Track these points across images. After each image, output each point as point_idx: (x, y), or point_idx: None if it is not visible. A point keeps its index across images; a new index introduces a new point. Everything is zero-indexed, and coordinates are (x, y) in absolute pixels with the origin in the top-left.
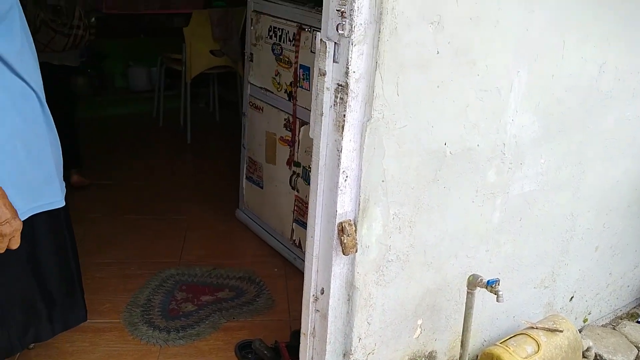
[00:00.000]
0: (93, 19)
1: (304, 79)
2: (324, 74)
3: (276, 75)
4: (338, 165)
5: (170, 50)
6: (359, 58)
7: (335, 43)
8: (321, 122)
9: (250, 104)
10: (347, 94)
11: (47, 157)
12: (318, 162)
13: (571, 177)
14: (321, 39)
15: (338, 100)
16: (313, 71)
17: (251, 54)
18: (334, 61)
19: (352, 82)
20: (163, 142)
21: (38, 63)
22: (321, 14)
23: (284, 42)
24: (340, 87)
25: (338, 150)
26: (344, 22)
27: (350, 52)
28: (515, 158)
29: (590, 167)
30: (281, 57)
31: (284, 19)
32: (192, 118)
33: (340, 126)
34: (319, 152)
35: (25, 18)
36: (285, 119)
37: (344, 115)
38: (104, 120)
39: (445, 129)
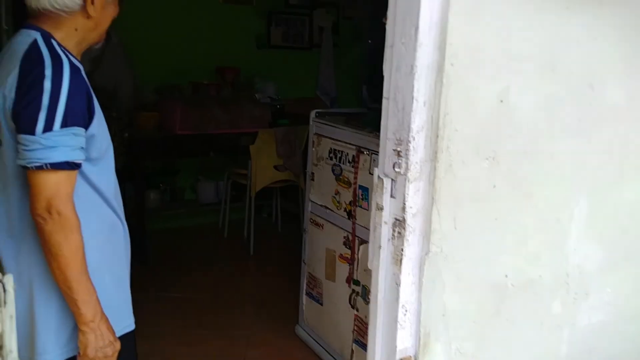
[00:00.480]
0: (126, 134)
1: (362, 199)
2: (382, 209)
3: (336, 194)
4: (397, 299)
5: (237, 165)
6: (416, 194)
7: (392, 180)
8: (379, 255)
9: (311, 220)
10: (404, 229)
11: (126, 282)
12: (377, 295)
13: None
14: (378, 176)
15: (396, 234)
16: (371, 193)
17: (312, 173)
18: (391, 196)
19: (409, 217)
20: (227, 253)
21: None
22: (378, 139)
23: (343, 163)
24: (397, 222)
25: (397, 284)
26: (400, 161)
27: (406, 188)
28: (580, 288)
29: None
30: (341, 177)
31: (344, 142)
32: (256, 229)
33: (398, 260)
34: (377, 285)
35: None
36: (344, 237)
37: (402, 249)
38: (173, 232)
39: (506, 261)
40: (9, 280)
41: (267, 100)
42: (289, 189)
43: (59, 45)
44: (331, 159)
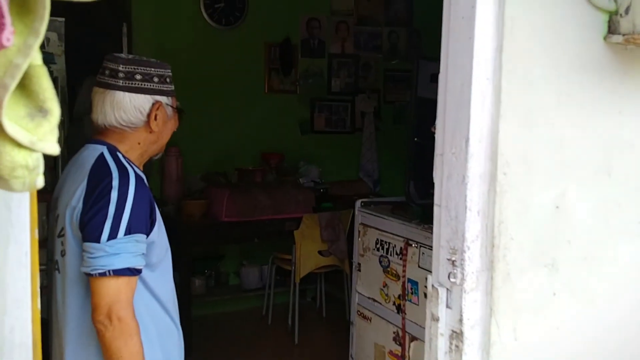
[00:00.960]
0: None
1: (412, 293)
2: (437, 320)
3: (384, 287)
4: None
5: (281, 250)
6: (473, 305)
7: (447, 289)
8: None
9: (358, 313)
10: (462, 342)
11: None
12: None
13: None
14: (433, 285)
15: (453, 347)
16: (421, 287)
17: (359, 263)
18: (447, 307)
19: (467, 329)
20: (272, 340)
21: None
22: (426, 232)
23: (391, 255)
24: (454, 334)
25: None
26: (455, 271)
27: (463, 299)
28: None
29: None
30: (388, 269)
31: (391, 233)
32: (300, 313)
33: None
34: None
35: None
36: (394, 332)
37: None
38: (217, 318)
39: None
40: None
41: (311, 184)
42: (333, 273)
43: (124, 157)
44: (378, 250)
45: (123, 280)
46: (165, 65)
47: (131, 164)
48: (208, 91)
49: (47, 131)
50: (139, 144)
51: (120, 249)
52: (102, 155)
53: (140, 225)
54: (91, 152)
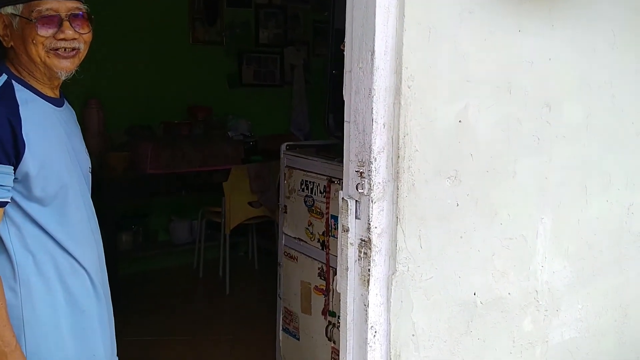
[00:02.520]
0: None
1: (335, 229)
2: (347, 230)
3: (309, 226)
4: (366, 321)
5: (210, 203)
6: (380, 214)
7: (356, 201)
8: (347, 277)
9: (285, 253)
10: (370, 249)
11: (93, 337)
12: (346, 317)
13: (613, 321)
14: (343, 197)
15: (362, 255)
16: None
17: (285, 206)
18: (356, 218)
19: (374, 237)
20: (203, 293)
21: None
22: None
23: (315, 194)
24: (363, 242)
25: (365, 305)
26: (363, 182)
27: (370, 209)
28: (550, 305)
29: (633, 310)
30: (313, 208)
31: (315, 173)
32: (232, 267)
33: (365, 280)
34: (347, 307)
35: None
36: (319, 268)
37: (369, 270)
38: (147, 275)
39: (473, 278)
40: None
41: (240, 137)
42: (264, 225)
43: (13, 75)
44: (303, 190)
45: None
46: None
47: (19, 84)
48: (130, 42)
49: None
50: (14, 60)
51: None
52: None
53: None
54: None
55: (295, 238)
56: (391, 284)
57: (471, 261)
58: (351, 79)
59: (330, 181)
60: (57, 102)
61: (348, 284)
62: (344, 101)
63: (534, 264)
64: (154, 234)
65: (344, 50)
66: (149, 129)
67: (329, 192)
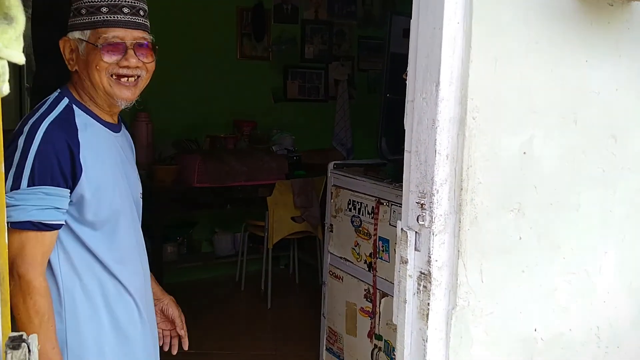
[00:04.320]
0: None
1: (383, 251)
2: (406, 262)
3: (356, 246)
4: (424, 356)
5: (254, 216)
6: (441, 247)
7: (416, 232)
8: (405, 310)
9: (330, 273)
10: (430, 282)
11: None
12: (402, 351)
13: None
14: (402, 229)
15: (421, 287)
16: (392, 245)
17: (331, 224)
18: (415, 249)
19: (434, 270)
20: (245, 307)
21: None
22: (398, 190)
23: (362, 214)
24: (423, 275)
25: (423, 340)
26: (424, 214)
27: (431, 241)
28: (611, 341)
29: None
30: (360, 228)
31: (363, 193)
32: (273, 281)
33: (424, 314)
34: (404, 340)
35: (138, 220)
36: (365, 290)
37: (428, 304)
38: (190, 285)
39: (534, 314)
40: (33, 339)
41: (284, 152)
42: (306, 240)
43: (75, 100)
44: (350, 210)
45: (28, 235)
46: None
47: (81, 108)
48: (179, 57)
49: (12, 38)
50: (77, 85)
51: (21, 201)
52: (52, 96)
53: (47, 176)
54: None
55: (341, 258)
56: (451, 318)
57: (533, 296)
58: (413, 109)
59: (379, 202)
60: (114, 128)
61: (406, 317)
62: (397, 125)
63: (596, 299)
64: (197, 245)
65: (406, 80)
66: (195, 143)
67: (377, 213)
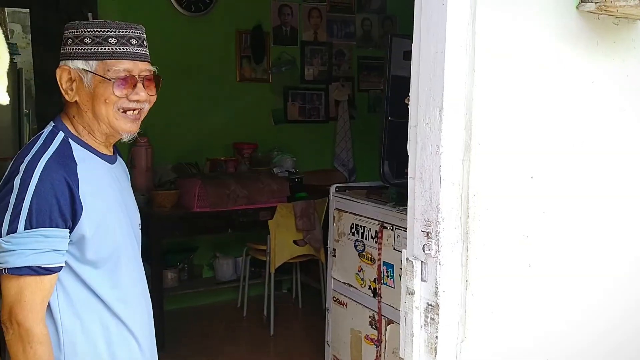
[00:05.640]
0: None
1: (388, 276)
2: (412, 293)
3: (359, 271)
4: None
5: (255, 240)
6: (448, 277)
7: (422, 262)
8: (412, 343)
9: (334, 299)
10: (437, 314)
11: None
12: None
13: None
14: (407, 258)
15: (429, 320)
16: (397, 270)
17: (334, 249)
18: (422, 280)
19: (442, 301)
20: (247, 333)
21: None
22: (402, 214)
23: (366, 238)
24: (430, 307)
25: None
26: (430, 243)
27: (438, 271)
28: None
29: None
30: (364, 253)
31: (366, 217)
32: (276, 305)
33: (432, 348)
34: None
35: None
36: (370, 316)
37: (436, 337)
38: (191, 312)
39: (548, 346)
40: None
41: (285, 174)
42: (309, 263)
43: (70, 134)
44: (353, 234)
45: (26, 281)
46: (89, 24)
47: (75, 142)
48: (178, 80)
49: None
50: (73, 117)
51: (19, 245)
52: (46, 130)
53: (45, 217)
54: (46, 128)
55: (344, 283)
56: (460, 352)
57: (545, 328)
58: (417, 134)
59: (383, 226)
60: (111, 159)
61: (413, 351)
62: (399, 148)
63: (611, 328)
64: (198, 270)
65: (408, 104)
66: (195, 166)
67: (381, 237)
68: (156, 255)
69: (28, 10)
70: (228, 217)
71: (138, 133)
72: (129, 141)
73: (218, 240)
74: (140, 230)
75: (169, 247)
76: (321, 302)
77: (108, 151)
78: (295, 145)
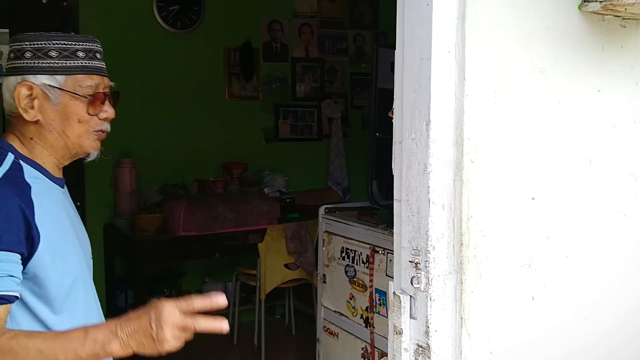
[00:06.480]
0: None
1: (380, 305)
2: (400, 332)
3: (350, 299)
4: None
5: (246, 263)
6: (440, 314)
7: (410, 297)
8: None
9: (325, 328)
10: (429, 357)
11: None
12: None
13: None
14: (394, 292)
15: None
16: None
17: (324, 275)
18: (410, 317)
19: (434, 342)
20: None
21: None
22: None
23: (357, 264)
24: (420, 349)
25: None
26: (419, 275)
27: (429, 307)
28: None
29: None
30: (355, 279)
31: (357, 240)
32: (267, 332)
33: None
34: None
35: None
36: (362, 348)
37: None
38: None
39: None
40: None
41: (277, 194)
42: (302, 287)
43: (21, 155)
44: (343, 259)
45: None
46: (52, 36)
47: (27, 164)
48: (165, 98)
49: None
50: (31, 139)
51: None
52: None
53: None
54: None
55: (335, 312)
56: None
57: None
58: (402, 151)
59: (374, 250)
60: (61, 183)
61: None
62: (389, 166)
63: None
64: (186, 296)
65: (392, 118)
66: (183, 187)
67: (373, 262)
68: (141, 281)
69: (7, 30)
70: (216, 241)
71: (123, 153)
72: (94, 160)
73: (207, 265)
74: (92, 261)
75: (156, 273)
76: (315, 328)
77: (59, 174)
78: (287, 164)
